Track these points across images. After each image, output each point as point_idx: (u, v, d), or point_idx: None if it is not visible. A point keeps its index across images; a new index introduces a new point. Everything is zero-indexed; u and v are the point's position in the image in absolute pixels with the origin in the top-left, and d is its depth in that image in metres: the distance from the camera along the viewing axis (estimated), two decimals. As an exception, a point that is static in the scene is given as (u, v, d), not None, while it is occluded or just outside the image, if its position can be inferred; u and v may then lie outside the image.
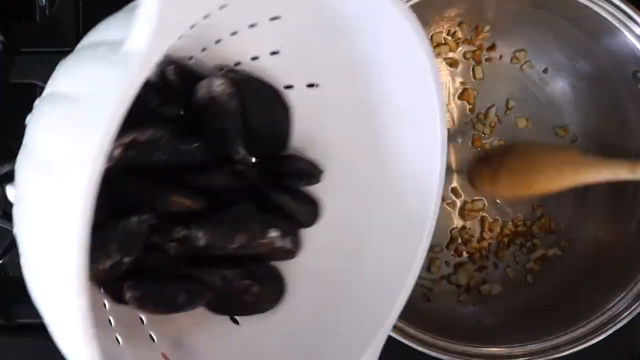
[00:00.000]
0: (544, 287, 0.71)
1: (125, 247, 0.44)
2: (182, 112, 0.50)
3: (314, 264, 0.52)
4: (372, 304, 0.49)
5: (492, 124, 0.72)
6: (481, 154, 0.71)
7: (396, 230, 0.50)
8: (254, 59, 0.50)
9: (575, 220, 0.72)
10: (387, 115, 0.49)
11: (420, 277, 0.73)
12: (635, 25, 0.62)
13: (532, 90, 0.73)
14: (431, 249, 0.72)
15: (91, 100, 0.35)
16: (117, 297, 0.46)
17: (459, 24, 0.71)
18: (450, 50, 0.72)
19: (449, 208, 0.73)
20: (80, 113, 0.36)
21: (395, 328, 0.61)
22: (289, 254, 0.51)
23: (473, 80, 0.72)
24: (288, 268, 0.52)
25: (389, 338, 0.61)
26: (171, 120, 0.49)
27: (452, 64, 0.73)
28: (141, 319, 0.48)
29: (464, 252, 0.72)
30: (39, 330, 0.73)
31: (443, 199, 0.72)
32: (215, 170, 0.50)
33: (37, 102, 0.44)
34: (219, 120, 0.49)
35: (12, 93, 0.74)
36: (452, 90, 0.73)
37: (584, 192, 0.70)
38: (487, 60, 0.72)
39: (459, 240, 0.72)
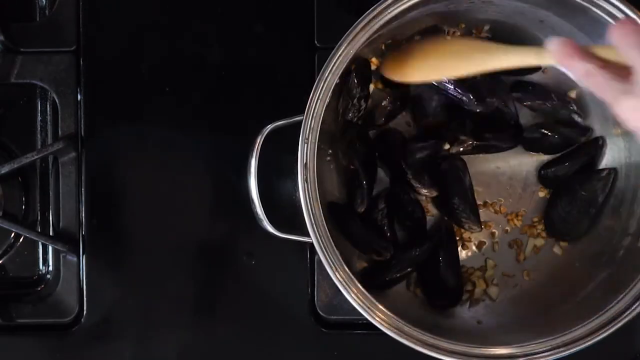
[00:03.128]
0: (543, 288, 0.71)
1: None
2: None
3: None
4: None
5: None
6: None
7: None
8: None
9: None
10: None
11: (420, 277, 0.73)
12: (635, 26, 0.62)
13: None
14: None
15: None
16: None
17: (459, 24, 0.71)
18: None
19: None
20: None
21: (396, 328, 0.61)
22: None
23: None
24: None
25: (389, 338, 0.62)
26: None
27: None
28: None
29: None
30: (39, 330, 0.73)
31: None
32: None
33: None
34: None
35: (12, 93, 0.74)
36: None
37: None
38: (486, 60, 0.72)
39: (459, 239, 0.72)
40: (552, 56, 0.50)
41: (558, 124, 0.71)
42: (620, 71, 0.47)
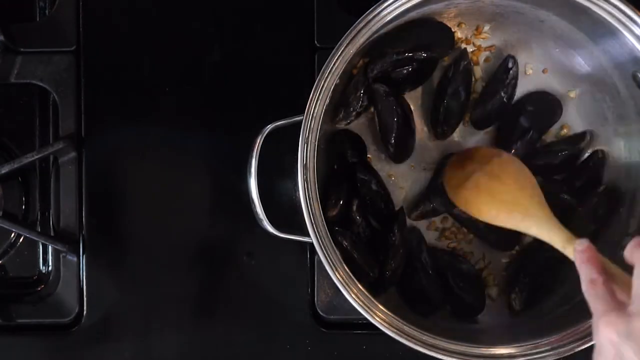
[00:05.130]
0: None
1: None
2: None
3: None
4: None
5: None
6: (459, 156, 0.69)
7: None
8: None
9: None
10: None
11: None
12: (635, 26, 0.62)
13: (532, 90, 0.72)
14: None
15: None
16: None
17: (459, 24, 0.71)
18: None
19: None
20: None
21: (396, 328, 0.61)
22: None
23: (472, 80, 0.72)
24: None
25: (389, 338, 0.62)
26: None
27: (452, 64, 0.73)
28: None
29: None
30: (39, 330, 0.73)
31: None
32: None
33: None
34: None
35: (12, 93, 0.74)
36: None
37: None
38: (485, 60, 0.72)
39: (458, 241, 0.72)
40: (573, 251, 0.55)
41: (552, 143, 0.71)
42: (618, 294, 0.50)
